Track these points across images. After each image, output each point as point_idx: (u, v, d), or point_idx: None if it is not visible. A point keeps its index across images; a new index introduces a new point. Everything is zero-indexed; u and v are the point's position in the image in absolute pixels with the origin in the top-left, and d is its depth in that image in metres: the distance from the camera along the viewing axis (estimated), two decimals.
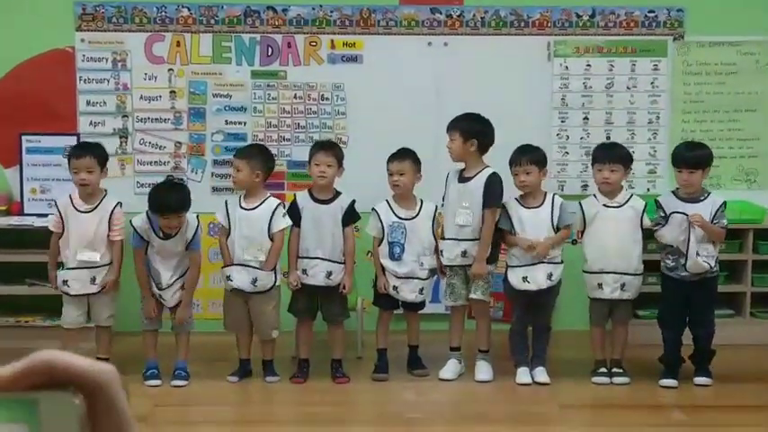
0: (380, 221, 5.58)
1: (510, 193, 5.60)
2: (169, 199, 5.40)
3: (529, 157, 5.51)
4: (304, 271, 5.52)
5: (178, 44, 6.38)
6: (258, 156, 5.57)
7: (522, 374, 5.51)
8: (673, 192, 5.66)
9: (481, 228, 5.51)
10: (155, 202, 5.39)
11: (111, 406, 0.76)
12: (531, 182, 5.50)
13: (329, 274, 5.51)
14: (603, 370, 5.54)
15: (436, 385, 5.53)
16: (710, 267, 5.44)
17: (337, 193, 5.58)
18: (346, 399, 5.40)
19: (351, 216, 5.58)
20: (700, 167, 5.49)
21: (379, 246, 5.60)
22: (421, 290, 5.59)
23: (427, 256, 5.58)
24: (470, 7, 6.41)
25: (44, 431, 0.73)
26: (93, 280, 5.44)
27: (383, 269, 5.59)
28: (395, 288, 5.57)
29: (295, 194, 5.69)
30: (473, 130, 5.53)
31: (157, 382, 5.44)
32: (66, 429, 0.74)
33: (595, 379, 5.52)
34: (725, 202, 5.55)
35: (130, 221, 5.50)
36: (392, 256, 5.56)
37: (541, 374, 5.51)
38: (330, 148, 5.61)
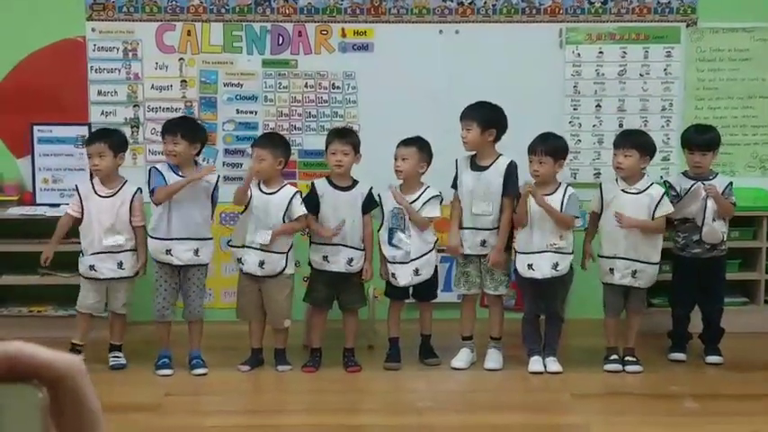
0: (382, 207, 5.57)
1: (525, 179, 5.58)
2: (174, 121, 5.64)
3: (544, 147, 5.47)
4: (325, 257, 5.52)
5: (189, 33, 6.37)
6: (280, 145, 5.60)
7: (535, 363, 5.50)
8: (683, 173, 5.78)
9: (500, 217, 5.52)
10: (164, 125, 5.61)
11: (75, 398, 0.75)
12: (543, 172, 5.47)
13: (350, 260, 5.51)
14: (615, 357, 5.54)
15: (448, 374, 5.52)
16: (723, 239, 5.60)
17: (356, 181, 5.57)
18: (358, 387, 5.39)
19: (370, 203, 5.58)
20: (711, 149, 5.64)
21: (379, 231, 5.59)
22: (416, 270, 5.55)
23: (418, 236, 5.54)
24: None
25: (5, 424, 0.72)
26: (120, 265, 5.47)
27: (384, 256, 5.59)
28: (393, 275, 5.56)
29: (313, 182, 5.68)
30: (492, 120, 5.51)
31: (169, 371, 5.44)
32: (28, 422, 0.72)
33: (608, 366, 5.52)
34: (731, 182, 5.73)
35: (151, 167, 5.63)
36: (391, 242, 5.54)
37: (553, 364, 5.50)
38: (346, 136, 5.61)
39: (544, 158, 5.45)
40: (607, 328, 5.61)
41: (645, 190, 5.50)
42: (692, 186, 5.58)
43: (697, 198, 5.56)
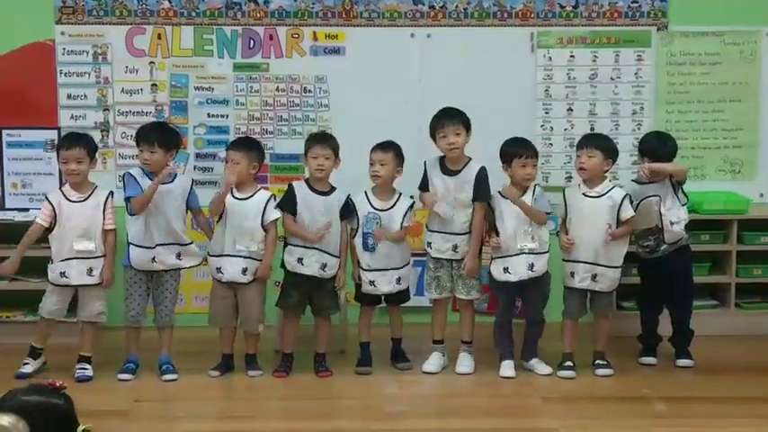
0: (356, 212, 5.55)
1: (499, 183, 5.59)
2: (149, 128, 5.63)
3: (532, 151, 5.53)
4: (299, 260, 5.49)
5: (159, 37, 6.34)
6: (256, 149, 5.60)
7: (506, 367, 5.49)
8: (634, 180, 5.81)
9: (470, 222, 5.52)
10: (138, 133, 5.58)
11: None
12: (535, 175, 5.52)
13: (324, 265, 5.49)
14: (570, 364, 5.52)
15: (420, 378, 5.51)
16: (684, 233, 5.63)
17: (333, 187, 5.56)
18: (330, 393, 5.37)
19: (346, 211, 5.56)
20: (672, 159, 5.67)
21: (354, 237, 5.57)
22: (398, 279, 5.56)
23: (400, 247, 5.57)
24: None
25: None
26: (89, 271, 5.41)
27: (359, 261, 5.58)
28: (372, 283, 5.54)
29: (291, 183, 5.66)
30: (469, 122, 5.54)
31: (129, 376, 5.43)
32: None
33: (561, 373, 5.50)
34: None
35: (126, 173, 5.56)
36: (365, 247, 5.53)
37: (539, 365, 5.53)
38: (327, 141, 5.59)
39: (534, 161, 5.52)
40: (564, 331, 5.60)
41: (606, 193, 5.50)
42: (639, 203, 5.59)
43: (649, 212, 5.59)
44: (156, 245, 5.44)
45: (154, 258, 5.45)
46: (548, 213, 5.53)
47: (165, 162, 5.46)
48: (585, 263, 5.47)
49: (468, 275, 5.55)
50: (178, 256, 5.51)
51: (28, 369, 5.44)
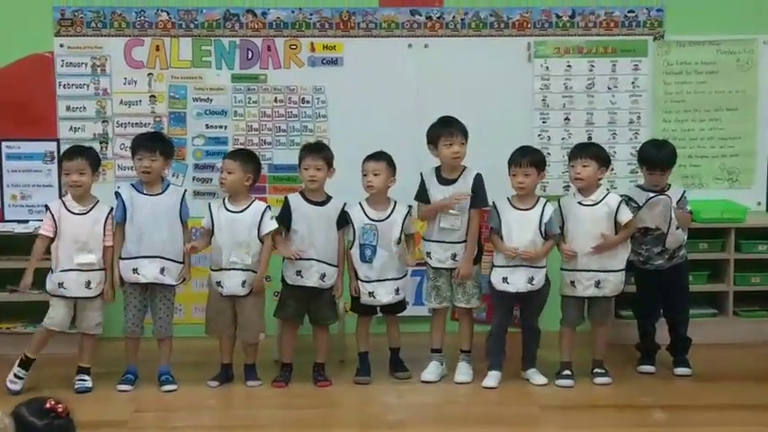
0: (352, 224, 5.56)
1: (503, 192, 5.58)
2: (148, 137, 5.68)
3: (530, 159, 5.49)
4: (298, 272, 5.50)
5: (157, 48, 6.37)
6: (251, 161, 5.59)
7: (491, 378, 5.50)
8: (637, 186, 5.85)
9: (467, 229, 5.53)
10: (133, 141, 5.63)
11: None
12: (528, 184, 5.48)
13: (323, 275, 5.50)
14: (568, 372, 5.53)
15: (418, 387, 5.52)
16: (684, 241, 5.68)
17: (329, 197, 5.57)
18: (329, 402, 5.37)
19: (342, 220, 5.57)
20: (670, 168, 5.72)
21: (351, 249, 5.58)
22: (397, 290, 5.57)
23: (397, 253, 5.57)
24: (450, 9, 6.43)
25: None
26: (87, 284, 5.40)
27: (356, 273, 5.58)
28: (371, 294, 5.55)
29: (287, 197, 5.66)
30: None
31: (128, 387, 5.44)
32: None
33: (560, 382, 5.50)
34: (685, 191, 5.80)
35: (116, 191, 5.54)
36: (363, 258, 5.53)
37: (536, 375, 5.53)
38: (319, 151, 5.59)
39: (529, 170, 5.47)
40: (562, 339, 5.60)
41: (601, 200, 5.52)
42: (647, 201, 5.61)
43: (652, 211, 5.60)
44: (138, 256, 5.43)
45: (136, 270, 5.44)
46: (554, 235, 5.52)
47: (163, 171, 5.51)
48: (587, 271, 5.49)
49: (462, 280, 5.55)
50: (162, 271, 5.47)
51: (17, 387, 5.38)
